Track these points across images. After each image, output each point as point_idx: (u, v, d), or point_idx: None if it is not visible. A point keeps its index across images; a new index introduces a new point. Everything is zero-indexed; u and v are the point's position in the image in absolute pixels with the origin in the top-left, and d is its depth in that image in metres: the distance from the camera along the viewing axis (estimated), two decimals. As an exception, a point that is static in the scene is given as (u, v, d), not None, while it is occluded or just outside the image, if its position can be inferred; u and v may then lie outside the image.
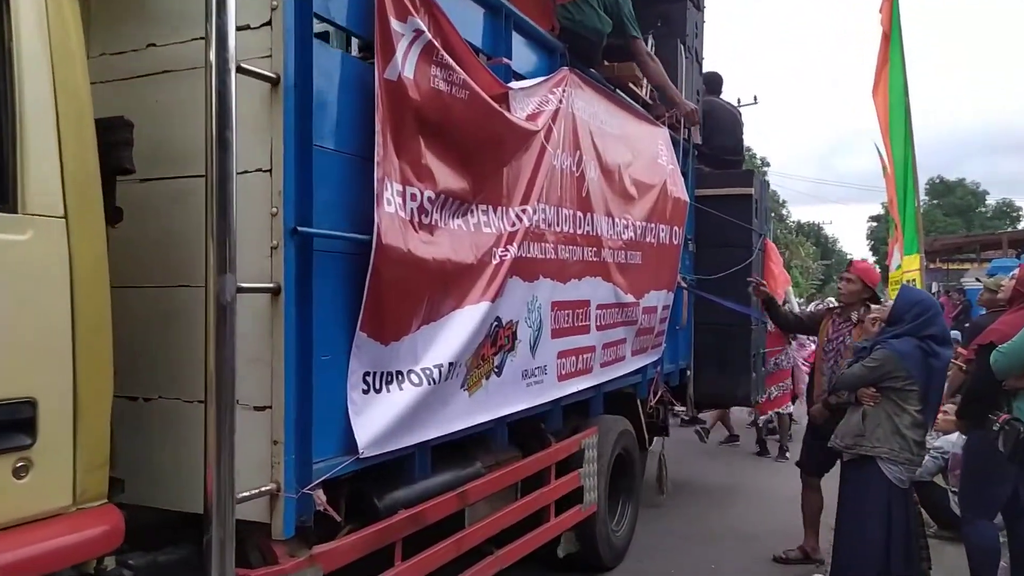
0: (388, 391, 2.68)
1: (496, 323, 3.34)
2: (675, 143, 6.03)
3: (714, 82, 7.42)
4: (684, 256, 6.41)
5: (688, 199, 5.85)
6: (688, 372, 6.70)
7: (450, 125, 2.93)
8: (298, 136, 2.25)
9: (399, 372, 2.72)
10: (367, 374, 2.60)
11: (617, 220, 4.65)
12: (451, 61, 2.87)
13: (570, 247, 4.07)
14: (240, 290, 2.01)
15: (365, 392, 2.59)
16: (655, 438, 6.31)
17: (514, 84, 3.50)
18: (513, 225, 3.44)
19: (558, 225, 3.94)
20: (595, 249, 4.35)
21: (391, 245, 2.57)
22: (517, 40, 3.65)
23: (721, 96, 7.54)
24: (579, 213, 4.18)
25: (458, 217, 3.08)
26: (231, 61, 1.92)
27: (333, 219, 2.42)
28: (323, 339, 2.38)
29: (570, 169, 4.09)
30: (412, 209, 2.76)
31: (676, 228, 5.60)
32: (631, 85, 4.91)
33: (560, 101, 3.95)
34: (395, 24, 2.64)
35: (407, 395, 2.73)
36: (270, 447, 2.23)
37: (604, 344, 4.52)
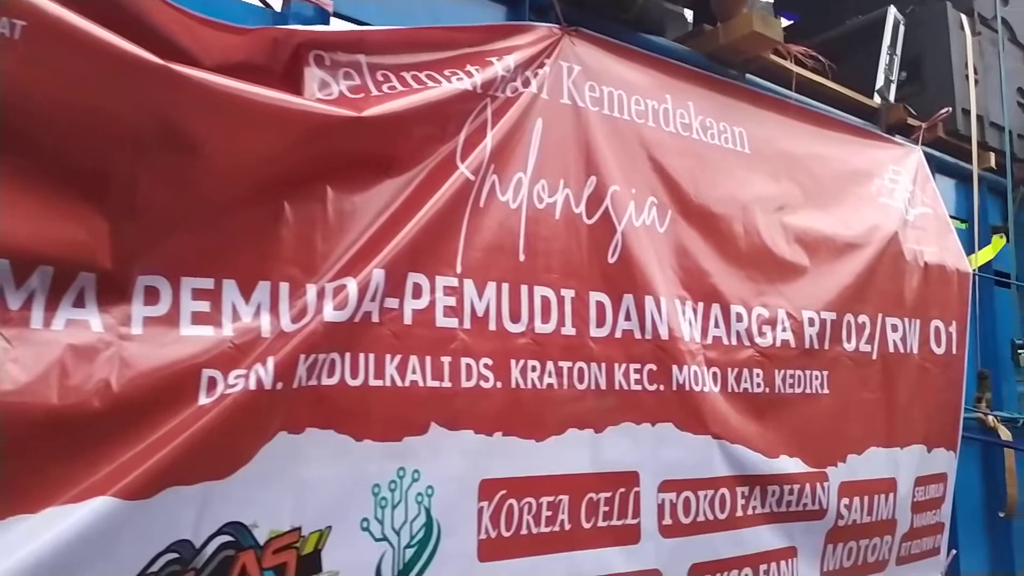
0: None
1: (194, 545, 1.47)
2: (948, 171, 3.43)
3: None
4: (1004, 377, 3.51)
5: (970, 269, 3.10)
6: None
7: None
8: None
9: None
10: None
11: (740, 310, 2.37)
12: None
13: (557, 364, 1.99)
14: None
15: None
16: None
17: (313, 28, 1.75)
18: (300, 318, 1.60)
19: (513, 319, 1.93)
20: (653, 366, 2.15)
21: None
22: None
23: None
24: (599, 296, 2.09)
25: (61, 306, 1.40)
26: None
27: None
28: None
29: (566, 212, 2.08)
30: None
31: (943, 325, 2.92)
32: (774, 57, 2.65)
33: (525, 84, 2.04)
34: None
35: None
36: None
37: (696, 565, 2.17)
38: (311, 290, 1.64)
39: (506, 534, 1.85)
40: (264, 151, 1.59)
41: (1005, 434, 3.28)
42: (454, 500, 1.78)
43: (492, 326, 1.90)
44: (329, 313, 1.61)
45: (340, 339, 1.63)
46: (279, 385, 1.53)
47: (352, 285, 1.65)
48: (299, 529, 1.57)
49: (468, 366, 1.84)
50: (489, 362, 1.87)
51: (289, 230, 1.64)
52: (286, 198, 1.64)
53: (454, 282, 1.85)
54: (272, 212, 1.62)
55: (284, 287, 1.61)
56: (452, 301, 1.84)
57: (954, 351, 2.92)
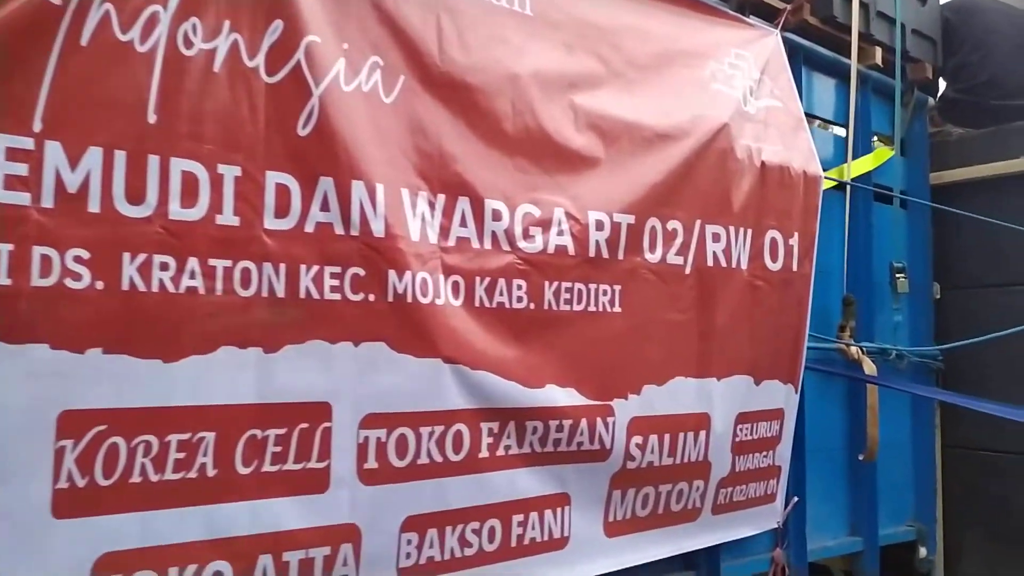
0: None
1: None
2: (825, 68, 2.98)
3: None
4: (879, 304, 3.13)
5: (822, 173, 2.65)
6: (920, 551, 3.26)
7: None
8: None
9: None
10: None
11: (498, 206, 1.90)
12: None
13: (206, 262, 1.52)
14: None
15: None
16: None
17: None
18: None
19: (132, 199, 1.45)
20: (359, 271, 1.69)
21: None
22: None
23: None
24: (280, 177, 1.61)
25: None
26: None
27: None
28: None
29: (232, 65, 1.58)
30: None
31: (781, 237, 2.48)
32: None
33: None
34: None
35: None
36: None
37: (412, 519, 1.75)
38: None
39: (104, 483, 1.40)
40: None
41: (870, 368, 2.88)
42: (12, 437, 1.32)
43: (94, 207, 1.41)
44: None
45: None
46: None
47: None
48: None
49: (45, 258, 1.36)
50: (84, 254, 1.39)
51: None
52: None
53: (27, 143, 1.36)
54: None
55: None
56: (22, 169, 1.35)
57: (795, 267, 2.49)
